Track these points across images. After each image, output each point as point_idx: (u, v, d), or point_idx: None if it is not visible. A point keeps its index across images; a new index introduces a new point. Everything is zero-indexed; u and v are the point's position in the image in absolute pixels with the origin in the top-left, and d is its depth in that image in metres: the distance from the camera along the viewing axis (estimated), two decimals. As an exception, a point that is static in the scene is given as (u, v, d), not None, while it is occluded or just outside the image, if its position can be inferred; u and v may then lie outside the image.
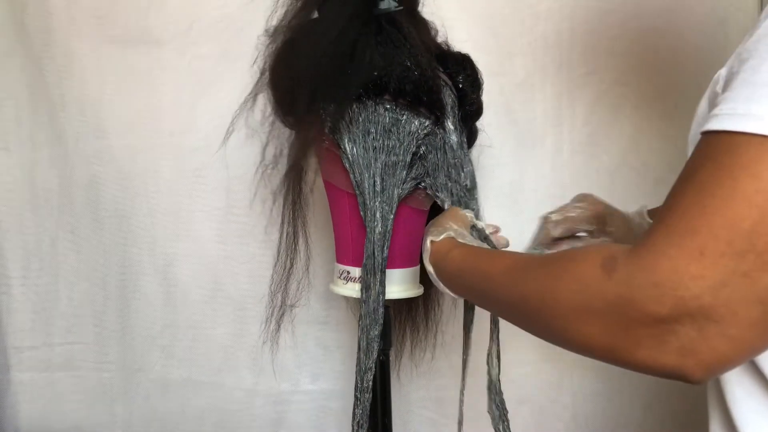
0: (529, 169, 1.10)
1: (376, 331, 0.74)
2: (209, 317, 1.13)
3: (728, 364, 0.41)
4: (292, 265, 0.89)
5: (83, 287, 1.14)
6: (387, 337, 0.84)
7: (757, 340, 0.40)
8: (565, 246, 0.80)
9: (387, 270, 0.76)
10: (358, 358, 0.75)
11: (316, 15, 0.80)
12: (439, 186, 0.79)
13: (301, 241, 0.88)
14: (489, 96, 1.07)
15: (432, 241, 0.70)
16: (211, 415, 1.14)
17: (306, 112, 0.76)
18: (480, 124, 1.08)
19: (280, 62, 0.80)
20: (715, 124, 0.42)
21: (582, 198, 0.83)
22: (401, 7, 0.79)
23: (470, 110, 0.84)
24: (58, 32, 1.08)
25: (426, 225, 0.79)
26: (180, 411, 1.15)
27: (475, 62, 0.87)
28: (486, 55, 1.06)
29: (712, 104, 0.49)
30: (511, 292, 0.54)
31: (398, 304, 0.89)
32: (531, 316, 0.51)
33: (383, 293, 0.75)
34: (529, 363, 1.09)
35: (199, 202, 1.10)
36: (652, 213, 0.81)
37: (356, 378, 0.75)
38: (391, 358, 0.89)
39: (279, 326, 0.93)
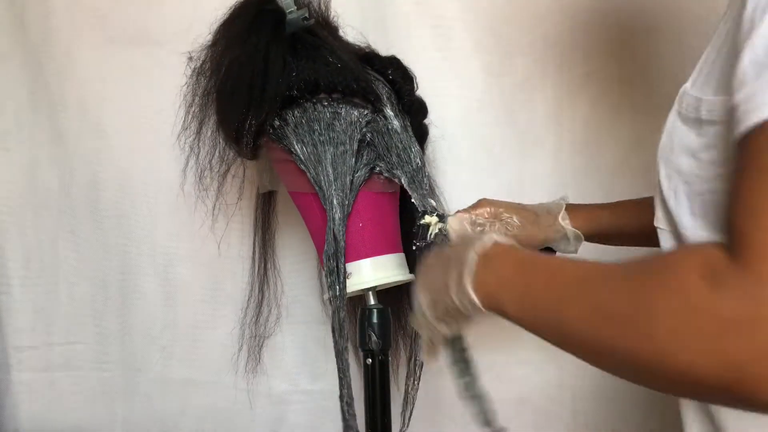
0: (529, 169, 1.10)
1: (343, 313, 0.79)
2: (209, 317, 1.13)
3: None
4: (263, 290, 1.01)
5: (83, 287, 1.14)
6: (386, 337, 0.85)
7: None
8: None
9: (370, 258, 0.81)
10: (334, 340, 0.80)
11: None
12: (393, 165, 0.83)
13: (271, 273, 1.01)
14: (489, 96, 1.08)
15: (478, 254, 0.53)
16: (211, 415, 1.14)
17: (251, 134, 0.81)
18: (480, 124, 1.08)
19: (216, 105, 0.86)
20: (743, 124, 0.38)
21: (477, 204, 0.84)
22: (311, 20, 0.85)
23: (409, 102, 0.88)
24: (58, 32, 1.09)
25: (398, 210, 0.86)
26: (180, 411, 1.15)
27: (401, 61, 0.91)
28: (486, 55, 1.07)
29: (689, 118, 0.50)
30: (585, 311, 0.44)
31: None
32: (612, 341, 0.42)
33: (344, 273, 0.79)
34: (529, 363, 1.09)
35: (199, 202, 1.10)
36: (571, 207, 0.83)
37: (336, 360, 0.80)
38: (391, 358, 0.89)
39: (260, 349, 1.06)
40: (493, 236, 0.54)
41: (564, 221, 0.82)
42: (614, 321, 0.41)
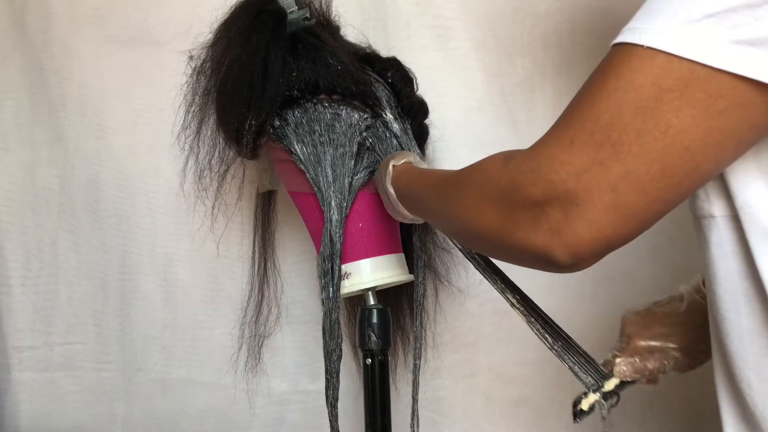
0: (529, 169, 1.10)
1: (335, 315, 0.79)
2: (209, 317, 1.13)
3: (587, 247, 0.45)
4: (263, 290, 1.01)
5: (83, 287, 1.14)
6: (386, 337, 0.85)
7: (610, 226, 0.44)
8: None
9: (370, 258, 0.81)
10: (324, 341, 0.80)
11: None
12: None
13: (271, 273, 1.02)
14: (489, 96, 1.08)
15: (393, 165, 0.73)
16: (211, 415, 1.14)
17: (247, 135, 0.82)
18: (480, 124, 1.08)
19: (216, 105, 0.87)
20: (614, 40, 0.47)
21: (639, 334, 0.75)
22: (312, 20, 0.85)
23: (409, 103, 0.89)
24: (58, 32, 1.09)
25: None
26: (180, 411, 1.15)
27: (402, 62, 0.92)
28: (486, 55, 1.07)
29: None
30: (437, 201, 0.62)
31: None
32: (449, 216, 0.59)
33: (339, 275, 0.80)
34: (529, 363, 1.09)
35: (198, 202, 1.10)
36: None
37: (324, 361, 0.80)
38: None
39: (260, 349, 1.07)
40: (403, 159, 0.74)
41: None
42: (448, 201, 0.58)
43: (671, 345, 0.72)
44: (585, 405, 0.71)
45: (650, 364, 0.71)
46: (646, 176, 0.43)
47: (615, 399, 0.71)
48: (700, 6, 0.42)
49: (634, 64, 0.44)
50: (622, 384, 0.72)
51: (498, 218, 0.49)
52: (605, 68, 0.46)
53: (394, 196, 0.73)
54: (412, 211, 0.73)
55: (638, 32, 0.44)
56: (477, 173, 0.54)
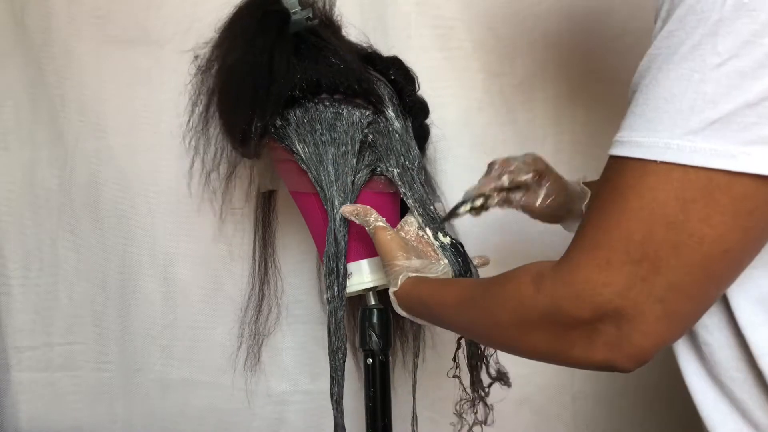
0: (529, 169, 1.10)
1: (341, 313, 0.79)
2: (209, 317, 1.13)
3: (648, 353, 0.46)
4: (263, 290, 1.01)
5: (83, 287, 1.14)
6: (387, 337, 0.85)
7: (665, 332, 0.46)
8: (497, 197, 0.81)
9: (371, 258, 0.81)
10: (329, 340, 0.80)
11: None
12: (393, 167, 0.83)
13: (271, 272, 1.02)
14: (489, 96, 1.08)
15: (394, 292, 0.71)
16: (211, 415, 1.14)
17: (253, 136, 0.81)
18: (480, 124, 1.08)
19: (221, 106, 0.87)
20: (612, 150, 0.47)
21: (528, 156, 0.84)
22: (315, 20, 0.85)
23: (411, 102, 0.88)
24: (58, 32, 1.09)
25: (399, 210, 0.86)
26: (180, 411, 1.15)
27: (403, 61, 0.92)
28: (486, 55, 1.07)
29: None
30: (465, 320, 0.62)
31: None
32: (486, 336, 0.61)
33: (344, 274, 0.79)
34: (529, 363, 1.08)
35: (198, 202, 1.10)
36: (589, 184, 0.84)
37: (329, 358, 0.81)
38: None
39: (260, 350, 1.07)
40: (403, 276, 0.71)
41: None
42: (480, 323, 0.58)
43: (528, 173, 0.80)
44: (461, 209, 0.79)
45: (503, 179, 0.79)
46: (691, 284, 0.44)
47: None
48: (699, 115, 0.42)
49: (651, 182, 0.44)
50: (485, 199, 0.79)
51: (549, 340, 0.50)
52: (618, 186, 0.46)
53: (411, 317, 0.72)
54: (436, 325, 0.73)
55: (645, 148, 0.44)
56: (509, 301, 0.53)
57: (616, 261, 0.45)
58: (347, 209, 0.76)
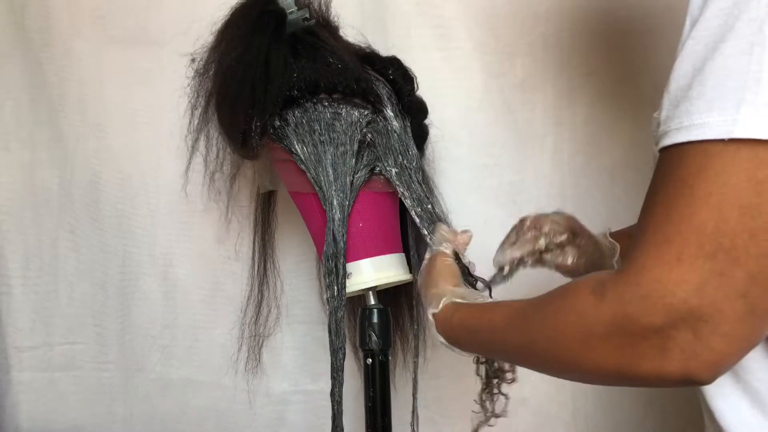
0: (529, 169, 1.10)
1: (341, 313, 0.79)
2: (209, 317, 1.13)
3: (729, 360, 0.42)
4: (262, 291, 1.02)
5: (83, 287, 1.14)
6: (387, 337, 0.85)
7: (750, 333, 0.42)
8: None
9: (370, 258, 0.81)
10: (330, 340, 0.81)
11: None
12: (390, 166, 0.83)
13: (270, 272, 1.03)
14: (489, 96, 1.08)
15: (434, 314, 0.69)
16: (211, 415, 1.14)
17: (254, 137, 0.81)
18: (480, 124, 1.08)
19: (219, 107, 0.87)
20: (665, 140, 0.44)
21: (558, 215, 0.82)
22: (312, 20, 0.85)
23: (409, 102, 0.89)
24: (58, 32, 1.09)
25: (398, 210, 0.86)
26: (180, 411, 1.15)
27: (402, 61, 0.91)
28: (486, 55, 1.07)
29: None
30: (519, 341, 0.56)
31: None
32: (542, 357, 0.54)
33: (344, 274, 0.79)
34: (528, 363, 1.09)
35: (201, 202, 1.10)
36: (614, 235, 0.81)
37: (331, 358, 0.81)
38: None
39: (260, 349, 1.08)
40: (446, 299, 0.68)
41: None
42: (537, 343, 0.53)
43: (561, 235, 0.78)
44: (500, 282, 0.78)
45: (540, 242, 0.77)
46: None
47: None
48: (765, 86, 0.40)
49: (718, 165, 0.41)
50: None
51: (616, 355, 0.44)
52: (680, 176, 0.42)
53: (447, 343, 0.68)
54: (476, 353, 0.72)
55: (708, 127, 0.41)
56: (568, 315, 0.48)
57: (687, 256, 0.41)
58: (446, 233, 0.77)
